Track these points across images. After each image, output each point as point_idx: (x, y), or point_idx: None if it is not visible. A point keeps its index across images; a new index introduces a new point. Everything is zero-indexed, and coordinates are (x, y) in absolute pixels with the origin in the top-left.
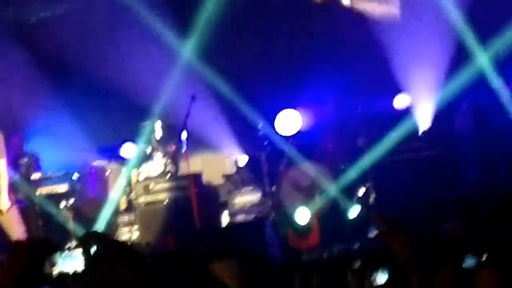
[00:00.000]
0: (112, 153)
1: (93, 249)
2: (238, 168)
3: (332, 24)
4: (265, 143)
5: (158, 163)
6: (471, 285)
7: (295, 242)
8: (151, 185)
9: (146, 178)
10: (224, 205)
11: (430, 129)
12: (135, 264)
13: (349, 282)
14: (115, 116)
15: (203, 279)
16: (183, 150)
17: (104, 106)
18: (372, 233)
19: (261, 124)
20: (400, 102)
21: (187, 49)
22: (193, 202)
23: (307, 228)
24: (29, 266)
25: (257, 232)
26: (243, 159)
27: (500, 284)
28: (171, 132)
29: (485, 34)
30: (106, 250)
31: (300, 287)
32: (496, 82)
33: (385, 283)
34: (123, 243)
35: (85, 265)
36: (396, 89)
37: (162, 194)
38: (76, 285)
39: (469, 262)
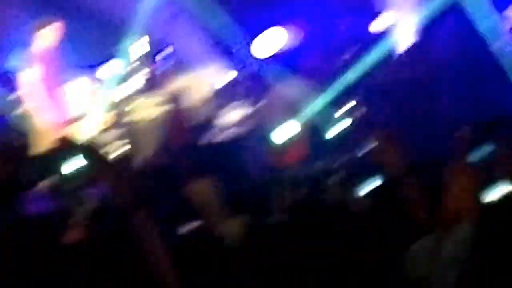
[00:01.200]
0: (92, 72)
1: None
2: (223, 85)
3: None
4: (248, 61)
5: (141, 80)
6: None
7: (277, 158)
8: (135, 103)
9: (130, 96)
10: (208, 123)
11: (410, 50)
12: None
13: (328, 195)
14: (93, 34)
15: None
16: (166, 67)
17: (80, 24)
18: (365, 148)
19: (244, 43)
20: (381, 22)
21: None
22: (176, 119)
23: (290, 145)
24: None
25: (238, 150)
26: (227, 76)
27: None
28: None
29: None
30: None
31: (278, 202)
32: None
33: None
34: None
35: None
36: (378, 10)
37: (145, 111)
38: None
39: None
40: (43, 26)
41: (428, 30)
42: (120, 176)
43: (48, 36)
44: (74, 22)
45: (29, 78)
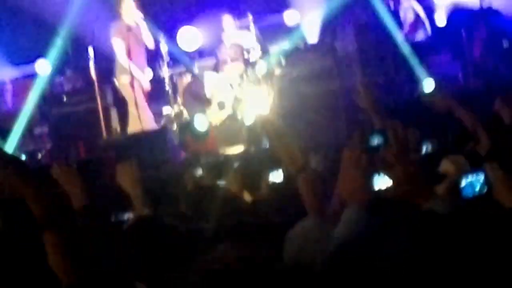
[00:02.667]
0: (26, 69)
1: None
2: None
3: None
4: (168, 58)
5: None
6: None
7: (194, 147)
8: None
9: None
10: None
11: (317, 43)
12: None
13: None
14: (27, 32)
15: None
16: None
17: (15, 23)
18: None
19: (162, 40)
20: (290, 18)
21: None
22: (100, 113)
23: (205, 134)
24: None
25: (160, 139)
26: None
27: None
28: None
29: None
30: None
31: (191, 184)
32: None
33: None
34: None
35: None
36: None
37: (75, 106)
38: None
39: None
40: None
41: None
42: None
43: None
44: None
45: None
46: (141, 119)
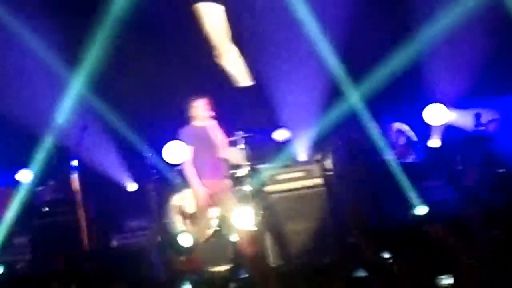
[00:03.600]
0: (8, 178)
1: None
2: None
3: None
4: (153, 171)
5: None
6: None
7: (178, 264)
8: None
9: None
10: (116, 228)
11: (307, 161)
12: None
13: None
14: (11, 141)
15: None
16: (75, 176)
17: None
18: None
19: (150, 154)
20: (280, 135)
21: (78, 80)
22: (82, 224)
23: (190, 251)
24: None
25: (143, 255)
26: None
27: None
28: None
29: (356, 75)
30: None
31: None
32: (366, 117)
33: None
34: None
35: None
36: (277, 124)
37: (57, 217)
38: None
39: None
40: None
41: (326, 142)
42: None
43: None
44: None
45: None
46: None
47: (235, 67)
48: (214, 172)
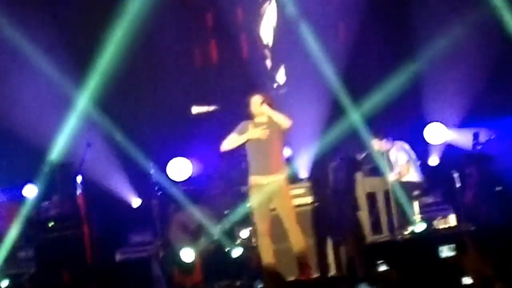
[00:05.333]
0: (14, 193)
1: None
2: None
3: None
4: (157, 188)
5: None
6: None
7: (180, 279)
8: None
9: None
10: (120, 242)
11: (307, 178)
12: None
13: None
14: (16, 158)
15: None
16: (78, 192)
17: (4, 147)
18: None
19: (152, 170)
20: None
21: (84, 97)
22: (87, 239)
23: (192, 267)
24: None
25: (145, 270)
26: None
27: None
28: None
29: (357, 94)
30: None
31: None
32: (366, 135)
33: None
34: None
35: None
36: None
37: (61, 232)
38: None
39: None
40: None
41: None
42: None
43: None
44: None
45: None
46: None
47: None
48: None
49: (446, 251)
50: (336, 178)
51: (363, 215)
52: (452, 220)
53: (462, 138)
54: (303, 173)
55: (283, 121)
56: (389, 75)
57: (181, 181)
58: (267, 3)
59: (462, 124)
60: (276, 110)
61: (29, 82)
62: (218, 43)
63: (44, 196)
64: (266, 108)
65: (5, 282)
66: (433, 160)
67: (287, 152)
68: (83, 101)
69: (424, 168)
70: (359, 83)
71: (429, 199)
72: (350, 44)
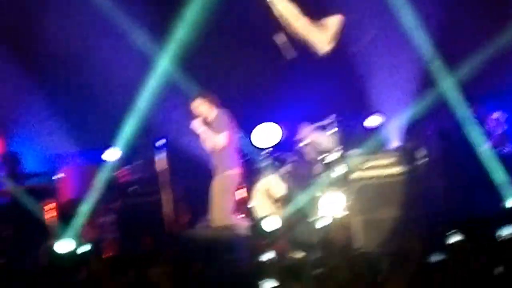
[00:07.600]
0: (94, 156)
1: None
2: None
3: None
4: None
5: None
6: None
7: (262, 247)
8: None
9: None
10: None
11: (399, 147)
12: None
13: None
14: (98, 119)
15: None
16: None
17: (86, 109)
18: None
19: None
20: (372, 121)
21: (165, 58)
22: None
23: (276, 235)
24: None
25: (229, 239)
26: None
27: None
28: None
29: (452, 61)
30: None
31: None
32: (460, 106)
33: None
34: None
35: None
36: (369, 110)
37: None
38: None
39: None
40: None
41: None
42: None
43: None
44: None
45: None
46: None
47: (311, 34)
48: None
49: None
50: (428, 148)
51: None
52: None
53: None
54: (395, 142)
55: None
56: (487, 41)
57: (268, 147)
58: None
59: None
60: None
61: (111, 46)
62: None
63: (124, 160)
64: None
65: (86, 247)
66: None
67: (378, 120)
68: (165, 62)
69: None
70: (454, 49)
71: None
72: (445, 9)
